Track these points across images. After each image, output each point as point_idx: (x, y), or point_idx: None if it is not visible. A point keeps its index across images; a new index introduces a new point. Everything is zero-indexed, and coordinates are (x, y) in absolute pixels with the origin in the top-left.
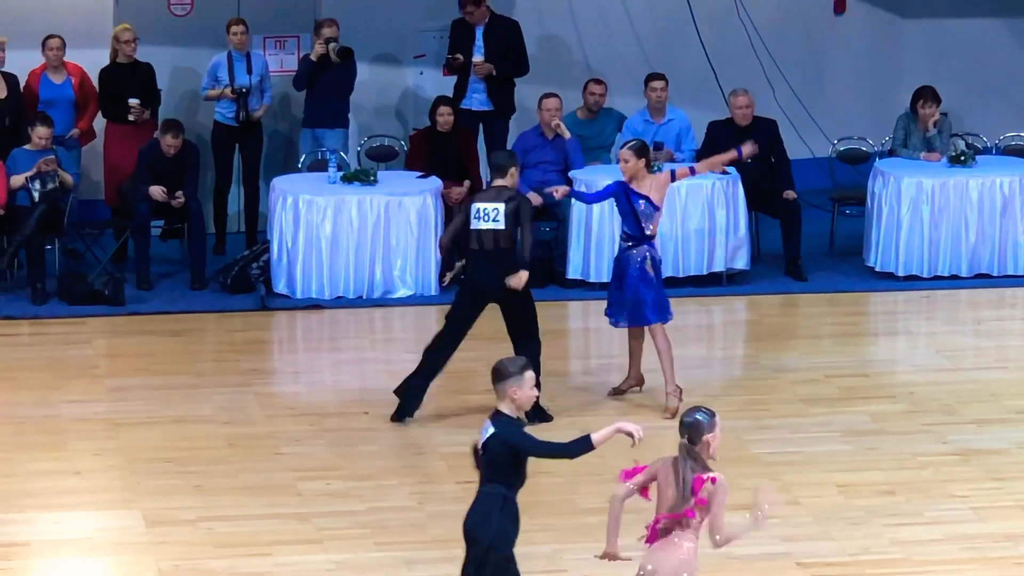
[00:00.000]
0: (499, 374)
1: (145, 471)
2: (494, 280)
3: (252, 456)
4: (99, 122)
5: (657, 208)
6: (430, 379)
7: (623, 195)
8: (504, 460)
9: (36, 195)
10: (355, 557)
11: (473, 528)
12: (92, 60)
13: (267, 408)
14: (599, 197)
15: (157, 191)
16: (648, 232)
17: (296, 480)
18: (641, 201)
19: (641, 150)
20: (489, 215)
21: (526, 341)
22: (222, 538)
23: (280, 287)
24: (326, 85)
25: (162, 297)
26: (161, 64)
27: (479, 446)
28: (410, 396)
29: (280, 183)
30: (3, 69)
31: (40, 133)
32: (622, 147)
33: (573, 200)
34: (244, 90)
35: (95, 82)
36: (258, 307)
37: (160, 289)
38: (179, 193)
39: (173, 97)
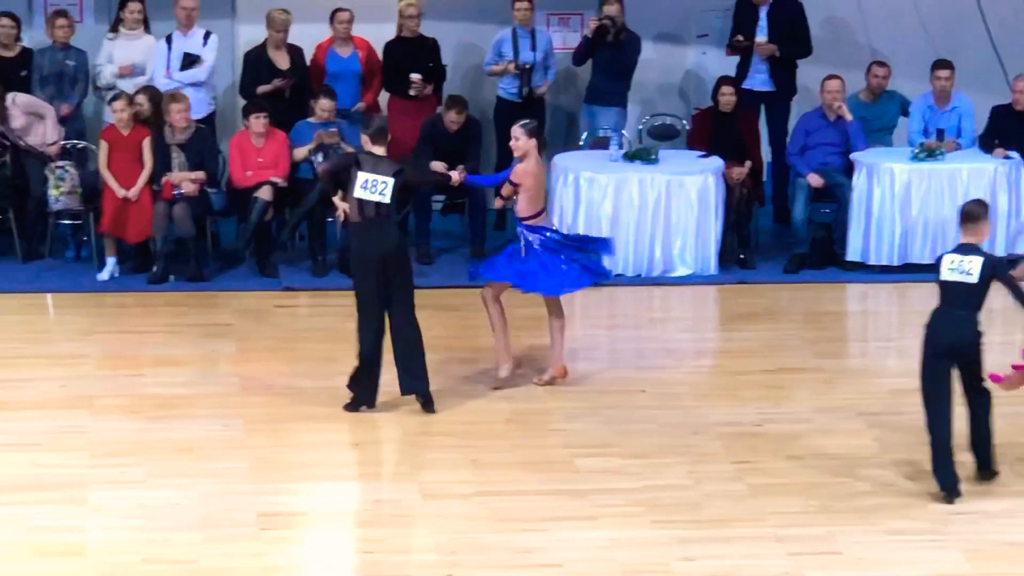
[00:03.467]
0: (973, 215)
1: (422, 444)
2: (379, 247)
3: (529, 432)
4: (383, 96)
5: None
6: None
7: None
8: (985, 289)
9: (319, 168)
10: (630, 534)
11: (967, 343)
12: (378, 34)
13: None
14: (495, 180)
15: (439, 166)
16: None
17: (573, 457)
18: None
19: (533, 131)
20: (377, 187)
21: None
22: (498, 513)
23: None
24: (605, 63)
25: (442, 272)
26: (446, 39)
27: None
28: (364, 391)
29: (562, 160)
30: (289, 41)
31: (323, 105)
32: (516, 125)
33: (854, 182)
34: (527, 66)
35: (380, 56)
36: None
37: (440, 264)
38: (460, 168)
39: (457, 72)
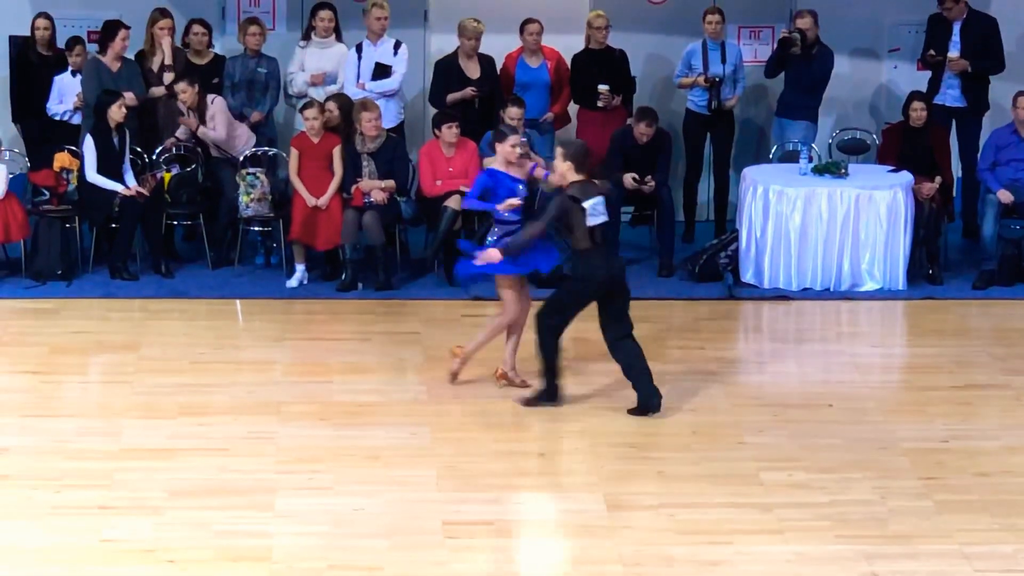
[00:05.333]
0: None
1: (608, 455)
2: (607, 269)
3: (715, 445)
4: (573, 107)
5: None
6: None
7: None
8: None
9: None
10: (815, 549)
11: None
12: (568, 45)
13: (732, 397)
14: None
15: (628, 178)
16: None
17: (759, 470)
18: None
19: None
20: (598, 210)
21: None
22: (684, 525)
23: (748, 277)
24: (796, 76)
25: (630, 283)
26: (635, 51)
27: None
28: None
29: (751, 173)
30: (480, 51)
31: (512, 114)
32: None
33: None
34: (717, 79)
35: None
36: (725, 296)
37: (628, 275)
38: (649, 179)
39: (647, 84)
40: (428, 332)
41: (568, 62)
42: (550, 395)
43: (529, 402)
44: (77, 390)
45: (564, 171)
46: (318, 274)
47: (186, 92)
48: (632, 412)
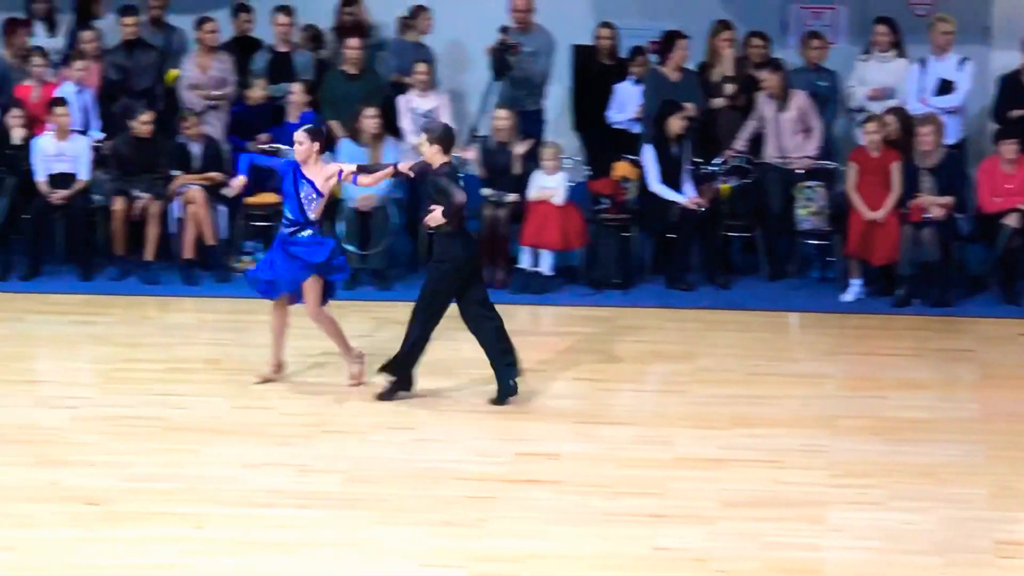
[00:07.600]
0: None
1: None
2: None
3: None
4: None
5: (321, 195)
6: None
7: (291, 175)
8: None
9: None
10: None
11: None
12: None
13: None
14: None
15: None
16: (312, 216)
17: None
18: (306, 184)
19: (316, 134)
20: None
21: None
22: None
23: None
24: None
25: None
26: None
27: None
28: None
29: None
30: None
31: None
32: (300, 130)
33: None
34: None
35: None
36: None
37: None
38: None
39: None
40: (983, 350)
41: None
42: (404, 384)
43: (383, 395)
44: (631, 398)
45: (432, 155)
46: (873, 289)
47: (769, 79)
48: (494, 402)
